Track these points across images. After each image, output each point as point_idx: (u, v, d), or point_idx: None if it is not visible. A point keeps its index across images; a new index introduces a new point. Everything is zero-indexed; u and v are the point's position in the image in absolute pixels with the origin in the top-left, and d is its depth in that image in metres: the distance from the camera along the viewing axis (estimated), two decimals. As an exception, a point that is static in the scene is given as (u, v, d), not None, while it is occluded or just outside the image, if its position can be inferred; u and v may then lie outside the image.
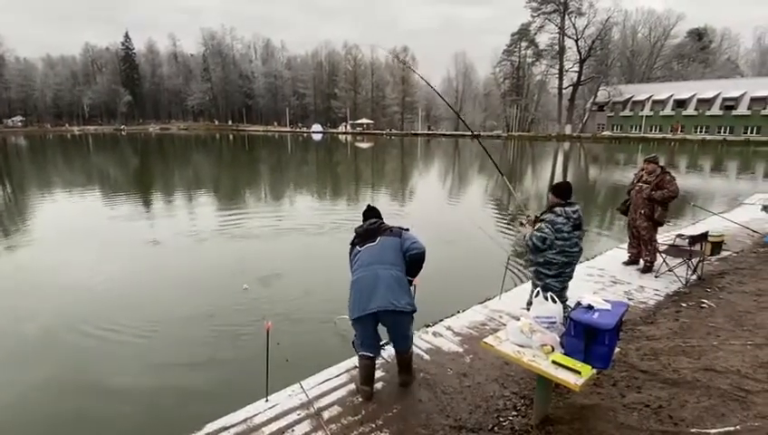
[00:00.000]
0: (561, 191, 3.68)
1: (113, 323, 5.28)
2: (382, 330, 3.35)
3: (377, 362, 3.45)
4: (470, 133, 6.50)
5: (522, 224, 3.91)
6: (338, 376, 3.58)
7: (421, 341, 4.08)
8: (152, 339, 4.94)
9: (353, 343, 3.42)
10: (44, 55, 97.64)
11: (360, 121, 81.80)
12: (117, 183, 19.47)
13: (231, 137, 65.55)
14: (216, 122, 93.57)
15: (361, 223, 3.61)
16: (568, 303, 3.81)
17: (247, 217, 11.54)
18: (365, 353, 3.29)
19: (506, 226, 10.67)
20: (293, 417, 3.10)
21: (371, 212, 3.67)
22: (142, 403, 3.86)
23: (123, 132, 75.26)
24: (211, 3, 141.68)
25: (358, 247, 3.42)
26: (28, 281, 6.84)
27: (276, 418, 3.09)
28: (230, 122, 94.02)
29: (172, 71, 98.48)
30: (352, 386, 3.44)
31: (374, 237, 3.39)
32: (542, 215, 3.75)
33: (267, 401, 3.26)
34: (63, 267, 7.42)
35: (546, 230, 3.59)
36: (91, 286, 6.49)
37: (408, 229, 3.52)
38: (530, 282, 4.44)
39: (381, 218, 3.63)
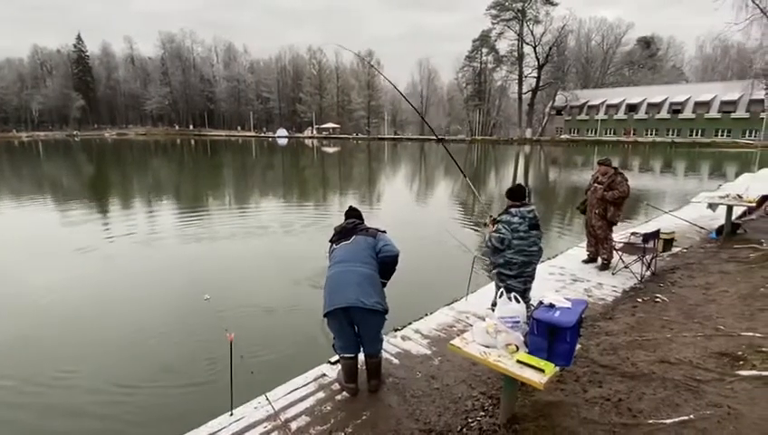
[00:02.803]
0: (514, 193, 3.86)
1: (63, 337, 5.00)
2: None
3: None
4: (435, 138, 6.60)
5: (485, 225, 4.01)
6: (305, 385, 3.51)
7: (390, 345, 4.07)
8: (109, 354, 4.70)
9: (333, 345, 3.42)
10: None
11: (326, 126, 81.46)
12: (66, 191, 18.48)
13: (192, 142, 63.73)
14: (177, 127, 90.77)
15: (342, 222, 3.68)
16: (531, 302, 3.91)
17: (209, 222, 11.22)
18: (344, 355, 3.33)
19: (472, 227, 10.85)
20: (260, 430, 3.01)
21: (352, 212, 3.74)
22: (101, 421, 3.65)
23: (77, 138, 71.54)
24: (169, 6, 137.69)
25: (334, 245, 3.52)
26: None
27: (241, 432, 3.00)
28: (191, 127, 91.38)
29: (129, 74, 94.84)
30: (321, 395, 3.39)
31: (349, 236, 3.47)
32: (499, 216, 3.87)
33: (232, 414, 3.15)
34: (14, 281, 6.96)
35: (503, 231, 3.72)
36: (37, 299, 6.12)
37: (384, 231, 3.58)
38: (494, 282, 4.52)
39: (362, 220, 3.70)
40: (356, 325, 3.27)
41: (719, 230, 7.78)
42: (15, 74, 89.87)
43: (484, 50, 75.68)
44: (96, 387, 4.11)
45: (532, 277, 3.90)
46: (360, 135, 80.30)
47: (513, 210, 3.77)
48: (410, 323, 4.61)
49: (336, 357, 3.56)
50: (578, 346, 2.77)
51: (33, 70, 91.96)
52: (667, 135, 57.59)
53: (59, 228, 10.94)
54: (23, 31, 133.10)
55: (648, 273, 5.85)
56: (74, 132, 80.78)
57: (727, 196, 8.01)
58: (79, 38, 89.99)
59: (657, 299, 4.96)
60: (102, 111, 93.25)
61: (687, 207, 11.08)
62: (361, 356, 3.43)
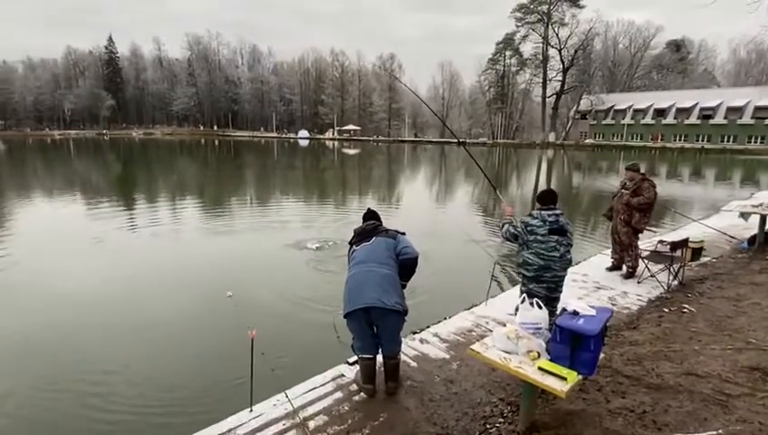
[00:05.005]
0: (541, 197, 3.86)
1: (82, 333, 5.15)
2: None
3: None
4: (456, 141, 6.60)
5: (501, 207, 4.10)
6: (323, 385, 3.53)
7: (408, 348, 4.06)
8: (131, 347, 4.81)
9: (352, 345, 3.44)
10: (25, 58, 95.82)
11: (346, 128, 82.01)
12: (97, 187, 19.08)
13: (216, 142, 65.00)
14: (202, 128, 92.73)
15: (361, 224, 3.72)
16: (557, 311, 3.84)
17: (230, 219, 11.42)
18: (363, 356, 3.34)
19: (493, 231, 10.74)
20: (278, 427, 3.05)
21: (371, 215, 3.78)
22: (123, 413, 3.74)
23: (106, 137, 73.96)
24: (197, 8, 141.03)
25: (354, 247, 3.56)
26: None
27: (260, 428, 3.03)
28: (215, 128, 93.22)
29: (157, 75, 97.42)
30: (339, 395, 3.40)
31: (369, 237, 3.52)
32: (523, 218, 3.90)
33: (251, 411, 3.20)
34: (39, 274, 7.22)
35: (519, 228, 3.76)
36: (58, 292, 6.33)
37: (404, 233, 3.61)
38: (516, 287, 4.48)
39: (380, 221, 3.74)
40: (375, 326, 3.28)
41: (751, 240, 7.50)
42: (50, 75, 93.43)
43: (508, 53, 74.93)
44: (114, 381, 4.19)
45: (556, 285, 3.80)
46: (380, 137, 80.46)
47: (534, 212, 3.78)
48: (429, 327, 4.59)
49: (354, 358, 3.58)
50: (601, 355, 2.71)
51: (66, 70, 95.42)
52: (697, 141, 55.82)
53: (84, 222, 11.24)
54: (57, 32, 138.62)
55: (676, 282, 5.69)
56: (104, 131, 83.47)
57: (761, 205, 7.72)
58: (110, 39, 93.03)
59: (685, 310, 4.81)
60: (131, 111, 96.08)
61: (717, 216, 10.75)
62: (379, 358, 3.43)
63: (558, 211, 3.73)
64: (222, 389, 3.97)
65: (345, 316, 3.28)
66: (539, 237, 3.66)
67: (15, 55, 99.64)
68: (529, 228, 3.70)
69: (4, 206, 14.07)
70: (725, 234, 8.29)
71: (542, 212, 3.72)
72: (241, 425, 3.06)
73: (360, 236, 3.57)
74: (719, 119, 55.95)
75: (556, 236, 3.67)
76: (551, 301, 3.74)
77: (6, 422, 3.67)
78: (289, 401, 3.30)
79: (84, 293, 6.36)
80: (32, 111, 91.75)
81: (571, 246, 3.81)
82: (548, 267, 3.69)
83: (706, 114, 56.86)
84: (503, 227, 3.93)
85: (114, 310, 5.77)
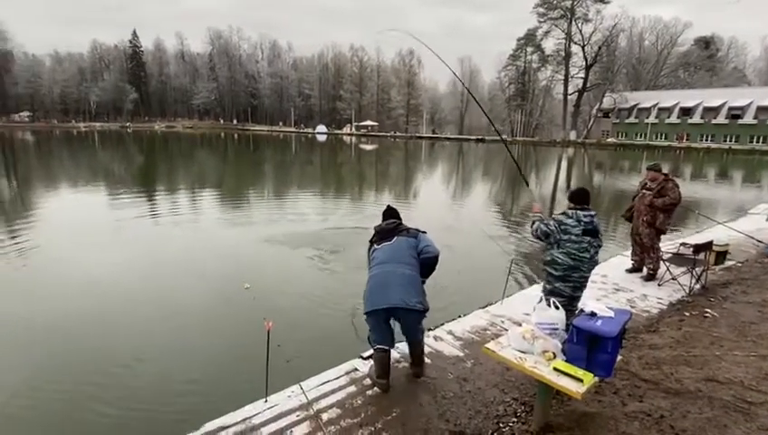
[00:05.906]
0: (574, 196, 3.76)
1: (99, 322, 5.25)
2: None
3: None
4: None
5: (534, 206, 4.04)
6: (337, 378, 3.57)
7: (422, 344, 4.07)
8: (150, 335, 4.93)
9: (368, 338, 3.48)
10: (52, 52, 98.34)
11: (364, 123, 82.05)
12: (119, 178, 19.53)
13: (236, 136, 65.80)
14: (222, 121, 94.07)
15: (380, 222, 3.73)
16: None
17: (250, 213, 11.56)
18: (379, 347, 3.38)
19: (510, 229, 10.64)
20: (292, 418, 3.09)
21: (390, 212, 3.78)
22: (140, 402, 3.83)
23: (129, 130, 75.68)
24: (218, 4, 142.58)
25: (375, 246, 3.58)
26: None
27: (275, 418, 3.08)
28: (235, 122, 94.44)
29: (179, 69, 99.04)
30: (352, 388, 3.43)
31: (390, 237, 3.53)
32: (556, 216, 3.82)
33: (266, 401, 3.25)
34: (57, 262, 7.44)
35: (552, 226, 3.66)
36: (81, 280, 6.50)
37: (425, 232, 3.63)
38: (533, 287, 4.42)
39: (400, 219, 3.74)
40: (398, 321, 3.37)
41: (779, 244, 7.27)
42: (76, 68, 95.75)
43: (529, 49, 73.91)
44: (131, 370, 4.26)
45: (581, 284, 3.75)
46: (397, 133, 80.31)
47: (569, 211, 3.69)
48: (443, 324, 4.59)
49: (368, 353, 3.61)
50: (619, 358, 2.67)
51: (92, 64, 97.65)
52: (725, 141, 54.12)
53: (104, 212, 11.52)
54: (84, 27, 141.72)
55: (698, 286, 5.55)
56: (127, 124, 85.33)
57: (790, 208, 7.46)
58: (134, 34, 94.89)
59: (707, 314, 4.70)
60: (153, 104, 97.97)
61: (744, 219, 10.43)
62: (395, 354, 3.46)
63: (593, 212, 3.66)
64: (238, 379, 4.04)
65: (365, 313, 3.34)
66: (573, 237, 3.58)
67: (43, 49, 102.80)
68: (563, 227, 3.61)
69: (30, 194, 14.54)
70: (752, 237, 8.03)
71: (578, 212, 3.63)
72: (256, 414, 3.12)
73: (381, 235, 3.59)
74: (748, 118, 54.14)
75: (588, 238, 3.61)
76: (573, 299, 3.69)
77: (20, 411, 3.77)
78: (303, 392, 3.34)
79: (102, 283, 6.48)
80: (59, 103, 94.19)
81: (601, 247, 3.73)
82: (577, 268, 3.63)
83: (735, 114, 55.07)
84: (533, 224, 3.84)
85: (132, 300, 5.90)
